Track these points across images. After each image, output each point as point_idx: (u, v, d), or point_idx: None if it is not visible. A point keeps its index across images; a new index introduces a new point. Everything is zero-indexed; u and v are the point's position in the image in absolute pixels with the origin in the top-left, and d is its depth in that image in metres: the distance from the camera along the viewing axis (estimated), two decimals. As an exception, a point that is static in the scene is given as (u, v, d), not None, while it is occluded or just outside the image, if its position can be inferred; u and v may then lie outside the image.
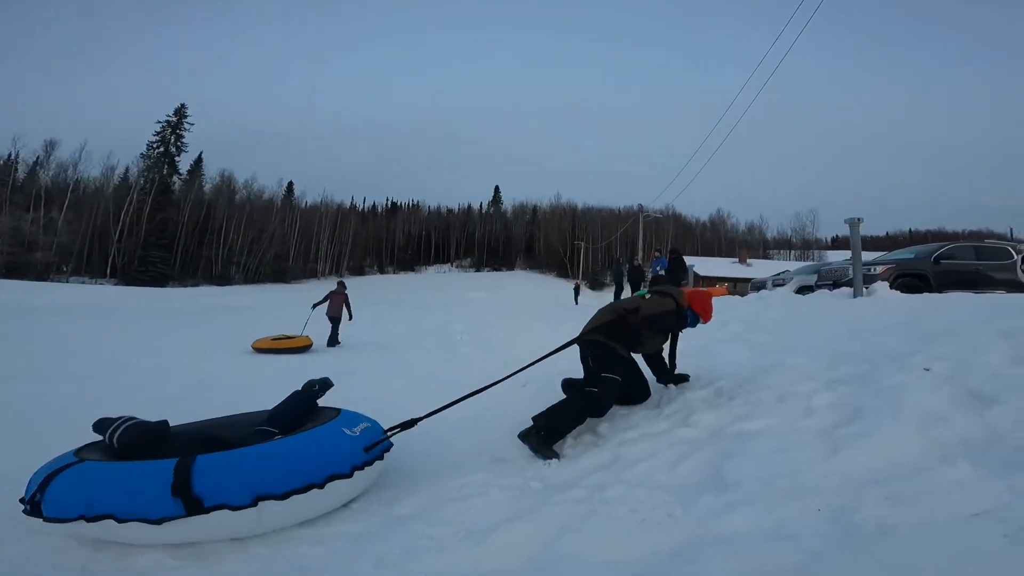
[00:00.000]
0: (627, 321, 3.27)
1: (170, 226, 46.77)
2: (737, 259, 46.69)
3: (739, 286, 25.46)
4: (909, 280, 7.73)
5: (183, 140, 53.85)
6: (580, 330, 3.47)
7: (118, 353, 8.70)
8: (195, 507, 2.10)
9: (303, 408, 3.05)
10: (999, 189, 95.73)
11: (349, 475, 2.43)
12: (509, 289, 44.31)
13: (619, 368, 3.20)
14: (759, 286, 12.61)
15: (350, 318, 10.78)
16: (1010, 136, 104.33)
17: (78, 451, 2.39)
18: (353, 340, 10.72)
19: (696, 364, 3.77)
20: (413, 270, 70.35)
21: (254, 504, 2.17)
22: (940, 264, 8.02)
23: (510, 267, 70.80)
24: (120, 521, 2.04)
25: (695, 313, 3.44)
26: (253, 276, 50.44)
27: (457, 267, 72.84)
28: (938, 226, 68.72)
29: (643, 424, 3.03)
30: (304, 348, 9.75)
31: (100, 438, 2.55)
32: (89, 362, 7.61)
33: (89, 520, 2.04)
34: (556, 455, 2.94)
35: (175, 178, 53.18)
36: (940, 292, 7.13)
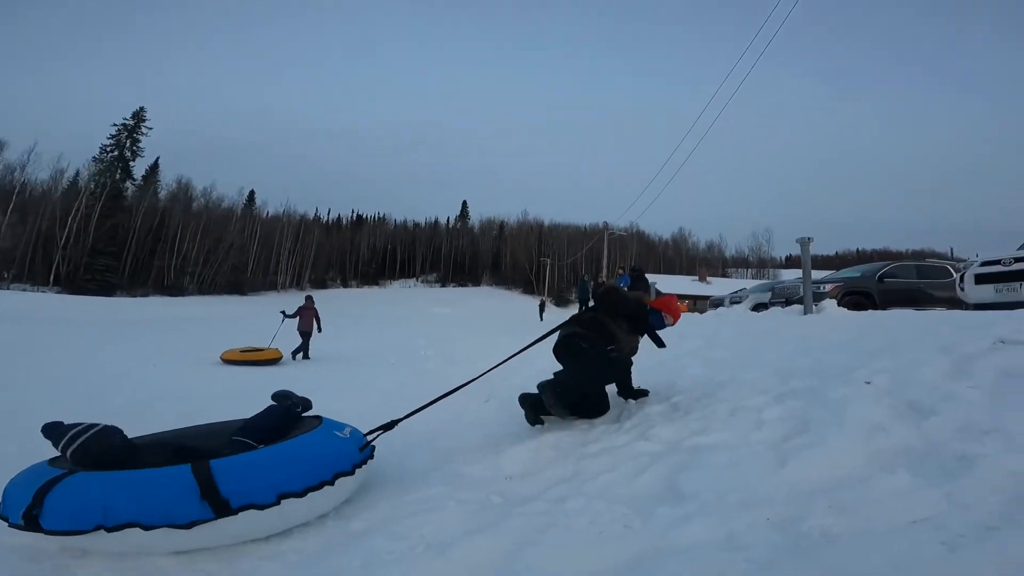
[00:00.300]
0: (597, 318, 3.39)
1: (120, 233, 44.52)
2: (697, 277, 48.10)
3: (699, 303, 26.26)
4: (855, 298, 8.11)
5: (139, 145, 51.46)
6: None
7: (63, 363, 8.26)
8: (223, 509, 2.16)
9: (279, 420, 3.04)
10: (941, 210, 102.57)
11: (351, 472, 2.60)
12: (475, 305, 44.17)
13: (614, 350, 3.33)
14: (717, 303, 12.97)
15: (319, 331, 10.87)
16: (951, 160, 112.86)
17: (54, 461, 2.33)
18: (317, 354, 10.73)
19: (655, 380, 3.84)
20: (377, 284, 69.27)
21: (278, 503, 2.26)
22: (884, 282, 8.46)
23: (476, 283, 70.70)
24: (147, 528, 2.05)
25: (658, 313, 3.53)
26: (208, 287, 48.39)
27: (423, 282, 72.24)
28: (884, 246, 73.40)
29: (604, 438, 3.06)
30: (274, 361, 9.76)
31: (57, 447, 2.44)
32: (29, 373, 7.16)
33: (110, 530, 2.02)
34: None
35: (128, 183, 50.77)
36: (884, 309, 7.51)
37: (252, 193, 65.02)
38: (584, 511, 2.08)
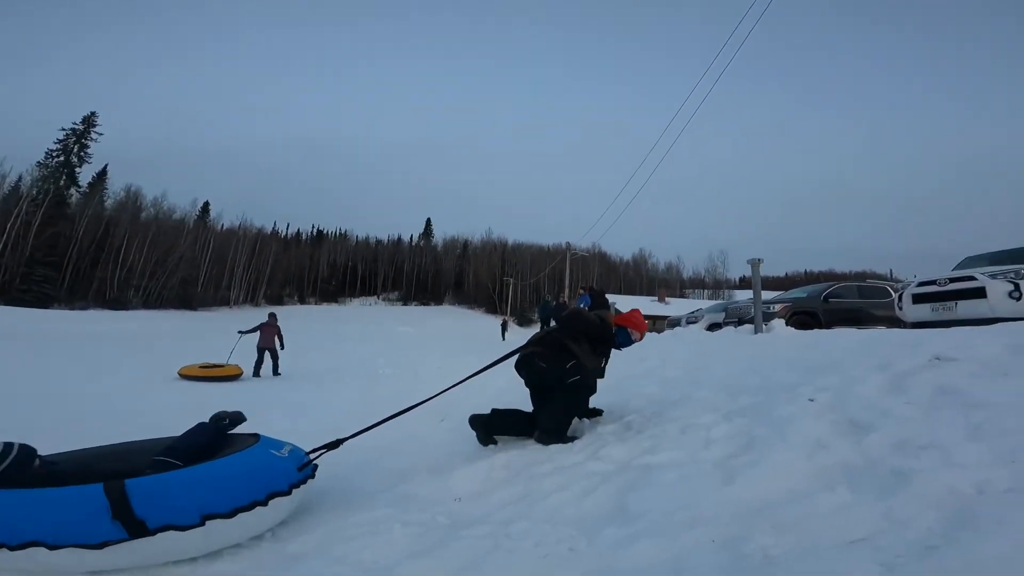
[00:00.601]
0: (554, 336, 3.36)
1: (62, 242, 42.05)
2: (657, 298, 49.22)
3: (657, 324, 26.79)
4: (802, 317, 8.45)
5: (88, 151, 48.98)
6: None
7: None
8: (139, 529, 2.09)
9: (208, 439, 2.85)
10: (881, 233, 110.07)
11: (288, 492, 2.48)
12: (437, 324, 43.77)
13: (574, 365, 3.26)
14: (675, 323, 13.31)
15: (281, 347, 11.05)
16: (891, 188, 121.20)
17: None
18: (269, 370, 10.68)
19: (610, 400, 3.84)
20: (337, 302, 67.75)
21: (202, 524, 2.18)
22: (829, 302, 8.84)
23: (439, 302, 70.17)
24: (52, 548, 2.01)
25: (625, 329, 3.52)
26: (154, 301, 46.06)
27: (384, 300, 71.18)
28: (829, 267, 78.01)
29: (556, 458, 3.00)
30: (234, 377, 9.77)
31: None
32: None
33: (13, 548, 1.99)
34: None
35: (73, 191, 48.13)
36: (829, 328, 7.82)
37: (207, 204, 63.04)
38: (531, 533, 2.01)
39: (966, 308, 6.04)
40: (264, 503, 2.35)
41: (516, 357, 3.49)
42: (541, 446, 3.23)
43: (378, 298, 71.45)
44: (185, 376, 9.32)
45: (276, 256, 62.09)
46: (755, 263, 7.11)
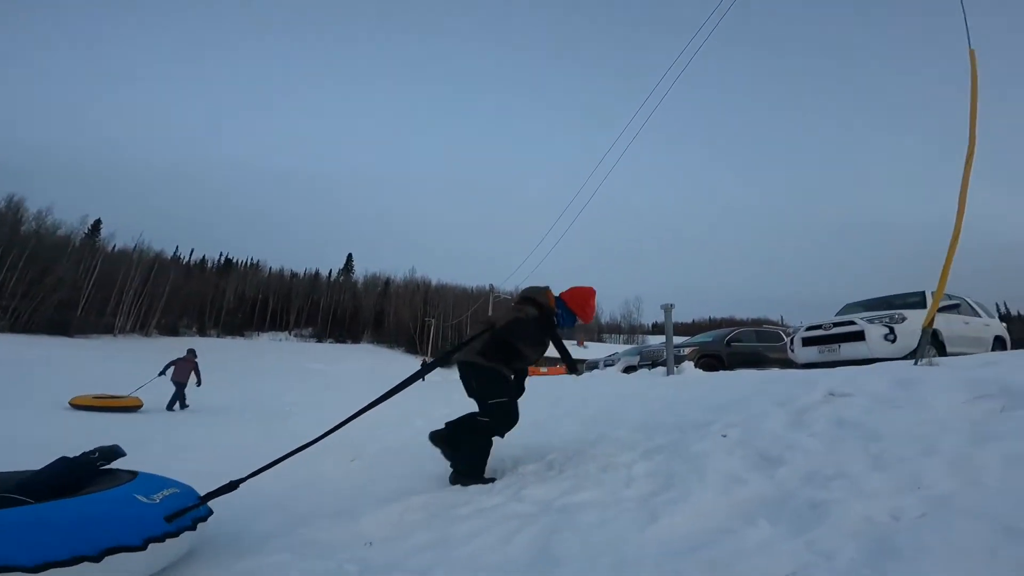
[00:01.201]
0: (495, 336, 3.13)
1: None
2: (576, 342, 50.50)
3: (577, 367, 27.49)
4: (708, 360, 8.97)
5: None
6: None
7: None
8: None
9: (71, 475, 2.43)
10: (772, 283, 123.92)
11: (141, 547, 2.06)
12: (353, 362, 41.78)
13: (505, 389, 3.11)
14: (593, 366, 13.63)
15: (198, 384, 11.19)
16: (781, 241, 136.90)
17: None
18: (158, 410, 10.17)
19: (532, 439, 3.78)
20: (242, 335, 62.92)
21: (41, 570, 1.83)
22: (731, 346, 9.49)
23: (356, 340, 67.33)
24: None
25: (569, 311, 3.27)
26: (25, 325, 40.23)
27: (296, 336, 67.11)
28: (730, 314, 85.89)
29: (476, 499, 2.85)
30: (132, 408, 9.61)
31: None
32: None
33: None
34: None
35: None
36: (731, 369, 8.36)
37: (98, 222, 57.35)
38: None
39: (848, 350, 6.73)
40: (96, 559, 1.94)
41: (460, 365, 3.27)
42: (460, 487, 3.08)
43: (289, 333, 67.29)
44: (77, 406, 9.06)
45: (175, 283, 56.64)
46: (668, 308, 7.52)
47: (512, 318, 3.15)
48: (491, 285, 38.30)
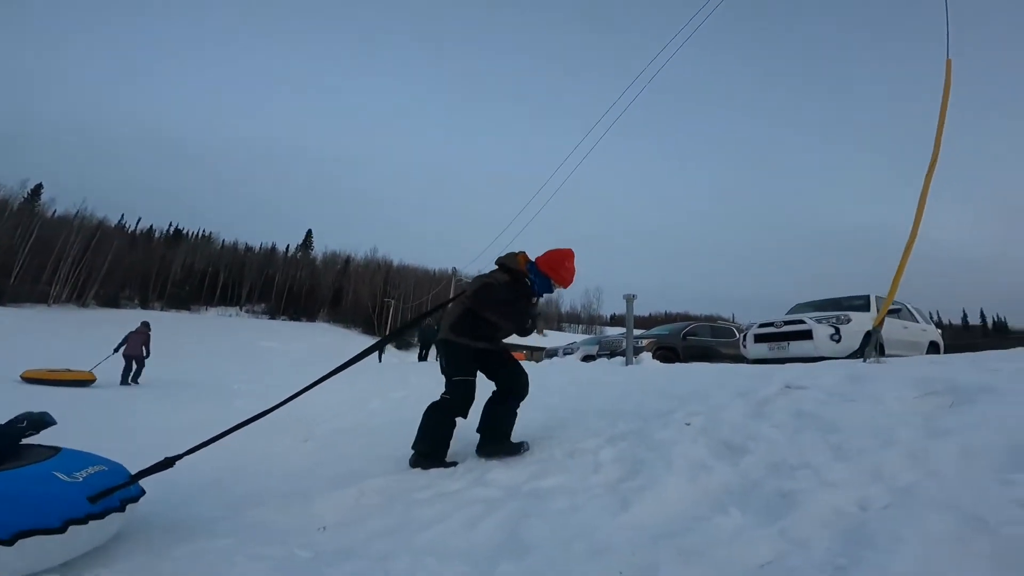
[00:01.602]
0: (468, 308, 3.03)
1: None
2: (536, 329, 50.91)
3: (535, 354, 27.79)
4: (664, 352, 9.20)
5: None
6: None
7: None
8: None
9: None
10: (726, 283, 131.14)
11: (60, 530, 1.90)
12: (307, 341, 40.66)
13: (468, 366, 3.04)
14: (552, 354, 13.78)
15: (147, 355, 11.07)
16: (738, 242, 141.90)
17: None
18: (112, 385, 10.02)
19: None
20: (188, 309, 60.12)
21: None
22: (687, 339, 9.77)
23: (311, 318, 65.53)
24: None
25: (543, 275, 3.08)
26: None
27: (248, 312, 64.72)
28: (685, 309, 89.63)
29: (437, 483, 2.77)
30: (84, 383, 9.56)
31: None
32: None
33: None
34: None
35: None
36: (687, 362, 8.59)
37: (39, 187, 53.66)
38: (414, 569, 1.72)
39: (796, 348, 7.01)
40: (8, 542, 1.79)
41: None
42: (420, 470, 3.01)
43: (240, 309, 64.82)
44: (28, 379, 9.13)
45: (117, 252, 53.49)
46: (630, 298, 7.62)
47: (480, 284, 3.03)
48: (454, 268, 37.87)
